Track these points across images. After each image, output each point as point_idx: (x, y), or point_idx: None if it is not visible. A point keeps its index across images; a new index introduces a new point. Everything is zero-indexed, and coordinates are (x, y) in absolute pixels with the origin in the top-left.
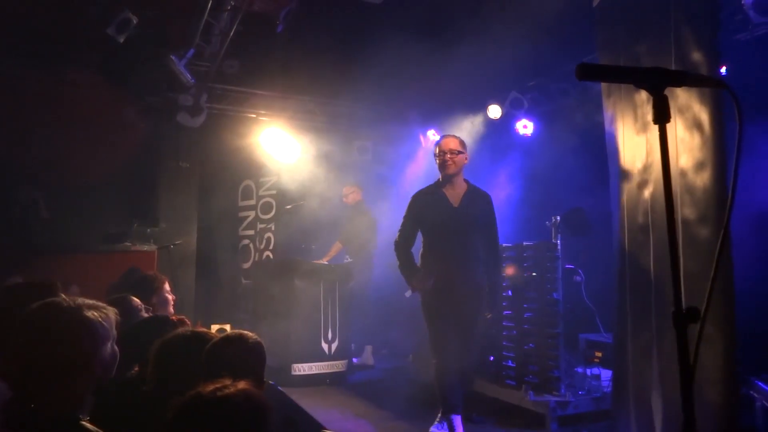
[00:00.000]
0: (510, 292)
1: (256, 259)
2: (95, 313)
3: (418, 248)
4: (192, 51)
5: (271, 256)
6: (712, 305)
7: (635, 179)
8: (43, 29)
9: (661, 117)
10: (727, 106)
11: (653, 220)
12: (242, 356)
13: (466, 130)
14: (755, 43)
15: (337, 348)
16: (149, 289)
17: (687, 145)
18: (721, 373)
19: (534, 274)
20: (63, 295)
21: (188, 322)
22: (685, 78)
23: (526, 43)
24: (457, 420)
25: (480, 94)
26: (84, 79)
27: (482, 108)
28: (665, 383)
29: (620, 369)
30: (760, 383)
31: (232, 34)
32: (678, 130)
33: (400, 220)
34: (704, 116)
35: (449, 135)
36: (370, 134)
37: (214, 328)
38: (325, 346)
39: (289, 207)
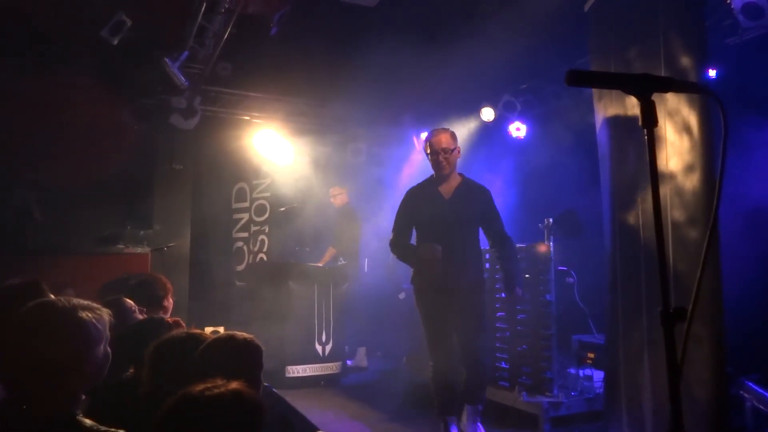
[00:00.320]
0: (503, 294)
1: (250, 261)
2: (89, 314)
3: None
4: (186, 53)
5: (264, 258)
6: (700, 305)
7: (626, 182)
8: (37, 31)
9: (649, 122)
10: (715, 110)
11: (644, 222)
12: (236, 357)
13: (459, 132)
14: (744, 46)
15: (331, 350)
16: (162, 292)
17: (676, 148)
18: (710, 372)
19: (527, 275)
20: (52, 296)
21: (183, 324)
22: (672, 84)
23: (519, 46)
24: (453, 424)
25: (473, 97)
26: (77, 81)
27: (475, 110)
28: (656, 383)
29: (612, 370)
30: (750, 383)
31: (226, 36)
32: (668, 133)
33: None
34: (693, 120)
35: (441, 130)
36: (364, 136)
37: (208, 330)
38: (319, 348)
39: (283, 209)
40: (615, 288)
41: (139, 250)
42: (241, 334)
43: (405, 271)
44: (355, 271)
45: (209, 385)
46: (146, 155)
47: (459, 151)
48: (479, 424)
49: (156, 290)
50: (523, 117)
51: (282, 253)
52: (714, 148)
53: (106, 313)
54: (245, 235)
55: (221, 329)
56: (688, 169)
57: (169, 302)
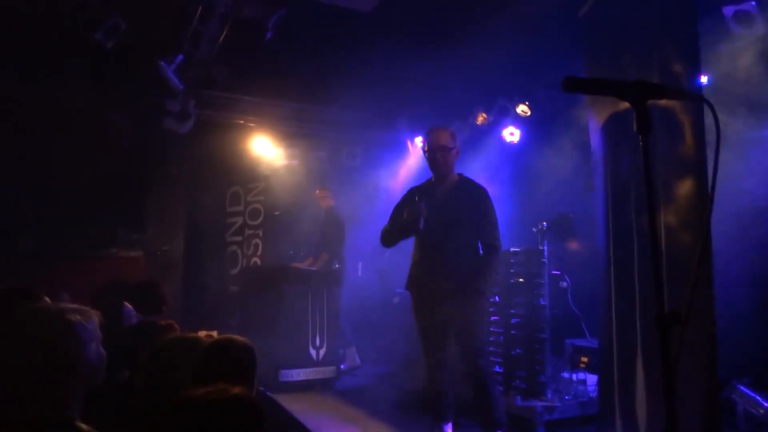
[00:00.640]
0: (498, 298)
1: (244, 265)
2: (77, 316)
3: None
4: (181, 57)
5: (258, 262)
6: (693, 308)
7: (619, 187)
8: (30, 34)
9: (643, 128)
10: (707, 116)
11: (637, 226)
12: (233, 361)
13: None
14: (736, 52)
15: (325, 354)
16: (161, 298)
17: (669, 154)
18: (703, 376)
19: (521, 279)
20: (47, 299)
21: (176, 328)
22: (666, 91)
23: (514, 51)
24: (448, 429)
25: (467, 102)
26: (71, 84)
27: (469, 115)
28: (649, 387)
29: (606, 373)
30: (742, 387)
31: (221, 40)
32: (660, 139)
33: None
34: (685, 126)
35: (440, 127)
36: (359, 140)
37: (202, 334)
38: (313, 352)
39: (277, 213)
40: (609, 292)
41: (132, 253)
42: (236, 337)
43: (399, 275)
44: (342, 275)
45: (210, 389)
46: (140, 159)
47: (458, 152)
48: None
49: (154, 297)
50: (517, 122)
51: (276, 257)
52: (706, 153)
53: (95, 315)
54: (239, 239)
55: (215, 333)
56: (681, 174)
57: (166, 307)
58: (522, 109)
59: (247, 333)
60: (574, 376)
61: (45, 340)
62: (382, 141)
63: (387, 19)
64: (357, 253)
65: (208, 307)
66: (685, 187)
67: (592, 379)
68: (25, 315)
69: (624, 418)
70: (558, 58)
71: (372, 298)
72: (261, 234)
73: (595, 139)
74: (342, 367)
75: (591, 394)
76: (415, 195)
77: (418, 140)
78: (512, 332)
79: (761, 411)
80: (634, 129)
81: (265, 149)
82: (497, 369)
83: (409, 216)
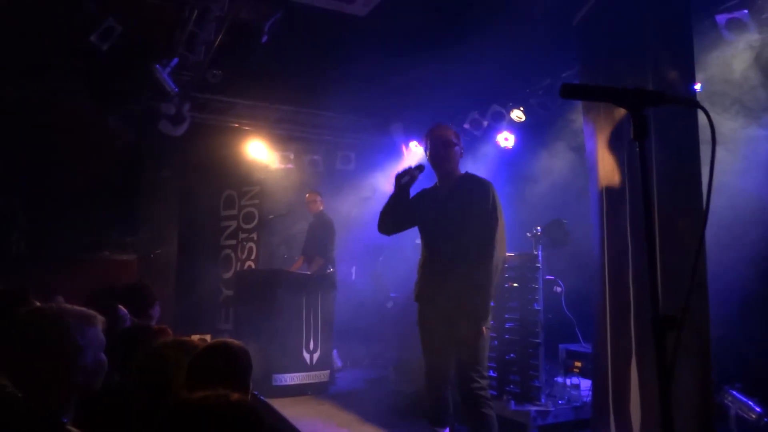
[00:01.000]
0: (492, 303)
1: (238, 268)
2: (76, 321)
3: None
4: (176, 60)
5: (253, 266)
6: (687, 314)
7: (614, 192)
8: (25, 36)
9: (641, 134)
10: (702, 122)
11: (632, 232)
12: (228, 364)
13: None
14: (728, 59)
15: (319, 358)
16: (143, 306)
17: (663, 160)
18: (696, 380)
19: (515, 284)
20: (37, 303)
21: (169, 332)
22: (663, 98)
23: (508, 58)
24: None
25: (462, 107)
26: (65, 86)
27: (464, 120)
28: (644, 392)
29: (600, 378)
30: (734, 392)
31: (216, 43)
32: (655, 145)
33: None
34: (680, 132)
35: (442, 124)
36: (354, 144)
37: (195, 338)
38: (306, 356)
39: (271, 217)
40: (603, 297)
41: (125, 256)
42: (231, 340)
43: (393, 279)
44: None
45: (209, 394)
46: (134, 161)
47: (462, 150)
48: None
49: (143, 298)
50: (511, 127)
51: (270, 261)
52: (700, 159)
53: (99, 320)
54: (233, 242)
55: (208, 337)
56: (675, 180)
57: (155, 310)
58: (516, 114)
59: (240, 337)
60: (568, 381)
61: (44, 344)
62: (377, 145)
63: (382, 23)
64: (351, 257)
65: (202, 311)
66: (679, 192)
67: (585, 383)
68: (25, 318)
69: (618, 423)
70: (551, 65)
71: (366, 302)
72: (255, 238)
73: (589, 144)
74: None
75: (585, 399)
76: (420, 194)
77: (413, 144)
78: (506, 337)
79: (753, 415)
80: (631, 135)
81: (260, 153)
82: (491, 374)
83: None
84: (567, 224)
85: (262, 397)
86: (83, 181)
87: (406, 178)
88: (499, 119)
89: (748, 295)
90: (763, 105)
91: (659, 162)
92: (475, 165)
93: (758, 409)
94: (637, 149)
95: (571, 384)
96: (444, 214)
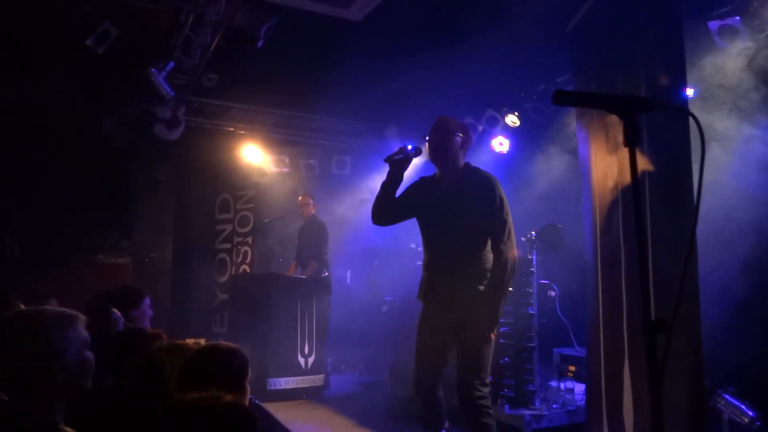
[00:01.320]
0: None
1: (233, 272)
2: (57, 320)
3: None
4: (172, 64)
5: (248, 270)
6: (678, 318)
7: (607, 197)
8: (21, 39)
9: (632, 140)
10: (693, 128)
11: (624, 236)
12: (220, 367)
13: None
14: (722, 63)
15: (314, 362)
16: (129, 302)
17: (656, 165)
18: (688, 384)
19: (510, 288)
20: (22, 305)
21: (164, 336)
22: (653, 105)
23: (503, 63)
24: None
25: (457, 111)
26: (61, 89)
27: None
28: (636, 395)
29: (593, 382)
30: (727, 396)
31: (212, 48)
32: (647, 150)
33: (378, 236)
34: (672, 138)
35: (443, 116)
36: (349, 149)
37: (190, 341)
38: (301, 360)
39: (267, 221)
40: (596, 301)
41: (120, 260)
42: (226, 343)
43: (388, 283)
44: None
45: (204, 395)
46: (129, 165)
47: (465, 142)
48: None
49: (131, 296)
50: (506, 132)
51: (265, 265)
52: (691, 164)
53: (80, 320)
54: (228, 246)
55: (202, 341)
56: (667, 184)
57: (145, 304)
58: (511, 119)
59: (235, 341)
60: (562, 385)
61: (21, 346)
62: (372, 149)
63: (377, 28)
64: (346, 262)
65: (197, 314)
66: (671, 197)
67: (579, 388)
68: (5, 321)
69: (611, 426)
70: (546, 70)
71: (361, 306)
72: (250, 241)
73: (583, 149)
74: None
75: (579, 403)
76: (419, 183)
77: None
78: (500, 341)
79: (746, 420)
80: (623, 142)
81: (255, 157)
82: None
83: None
84: (561, 229)
85: (257, 401)
86: (78, 185)
87: (399, 156)
88: (494, 124)
89: (741, 298)
90: (757, 106)
91: (652, 167)
92: None
93: (751, 413)
94: (628, 155)
95: (566, 388)
96: (448, 213)
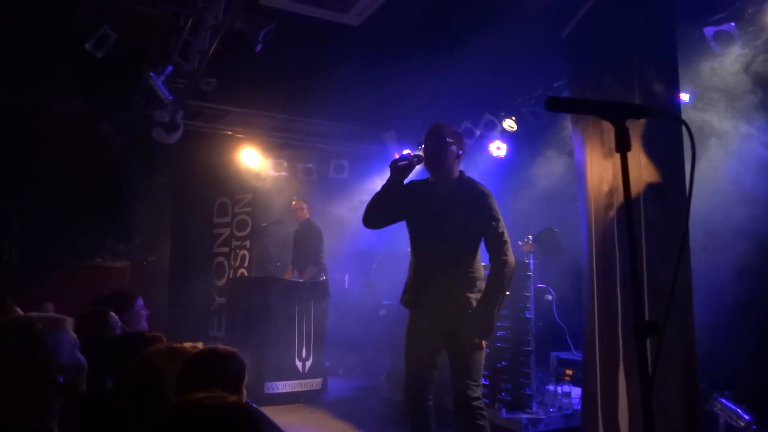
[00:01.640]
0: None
1: (231, 276)
2: (45, 324)
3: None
4: (170, 68)
5: (245, 273)
6: (672, 321)
7: (602, 202)
8: (18, 43)
9: (623, 146)
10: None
11: (619, 240)
12: (218, 370)
13: None
14: (720, 67)
15: (311, 366)
16: (122, 304)
17: (650, 170)
18: (682, 388)
19: (507, 292)
20: (19, 310)
21: (163, 339)
22: (644, 111)
23: (500, 67)
24: None
25: (454, 116)
26: (59, 93)
27: (457, 129)
28: (631, 397)
29: (589, 386)
30: (723, 400)
31: (210, 52)
32: (641, 155)
33: (376, 240)
34: (665, 143)
35: (439, 123)
36: (347, 153)
37: (187, 345)
38: (299, 364)
39: (264, 224)
40: (591, 305)
41: (118, 264)
42: (224, 347)
43: (385, 287)
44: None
45: (207, 395)
46: (127, 168)
47: (460, 150)
48: None
49: (123, 299)
50: (503, 136)
51: (263, 269)
52: (684, 168)
53: (69, 323)
54: (226, 250)
55: (200, 344)
56: (661, 189)
57: (138, 304)
58: (508, 124)
59: (233, 344)
60: (559, 389)
61: (13, 351)
62: (370, 153)
63: (375, 33)
64: (344, 266)
65: (194, 318)
66: (664, 201)
67: (576, 391)
68: None
69: (607, 430)
70: (543, 75)
71: (358, 310)
72: (248, 245)
73: (578, 154)
74: None
75: (575, 407)
76: (411, 189)
77: (406, 153)
78: (497, 345)
79: (741, 423)
80: (614, 147)
81: (253, 160)
82: (483, 381)
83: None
84: (558, 233)
85: (254, 405)
86: (76, 188)
87: (403, 163)
88: (492, 128)
89: (738, 300)
90: (754, 107)
91: (645, 171)
92: (468, 174)
93: (747, 417)
94: (620, 160)
95: (562, 392)
96: (440, 223)
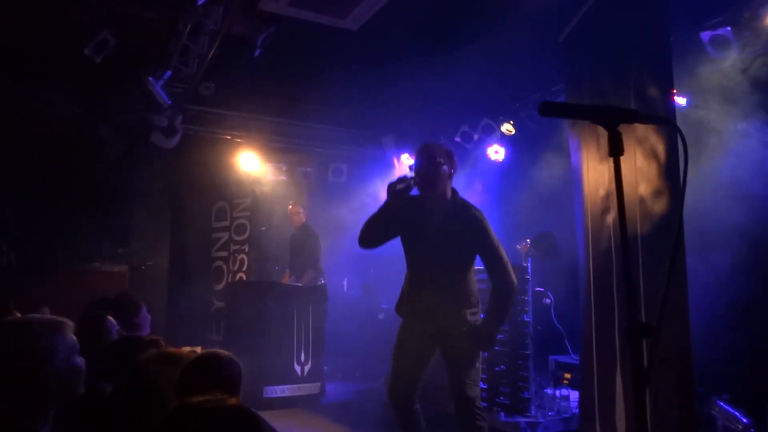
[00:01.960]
0: (483, 315)
1: (229, 280)
2: (43, 327)
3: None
4: (169, 72)
5: (244, 277)
6: (667, 324)
7: (599, 205)
8: (18, 47)
9: (615, 151)
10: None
11: (615, 243)
12: (217, 374)
13: None
14: (712, 75)
15: (310, 370)
16: (132, 309)
17: (645, 174)
18: (679, 391)
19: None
20: (18, 314)
21: (162, 343)
22: (636, 116)
23: (498, 71)
24: None
25: (452, 120)
26: (58, 97)
27: (455, 133)
28: (628, 402)
29: (586, 389)
30: (720, 403)
31: (209, 57)
32: (637, 159)
33: None
34: (660, 147)
35: (429, 143)
36: (346, 157)
37: (186, 350)
38: (297, 368)
39: (263, 228)
40: (589, 308)
41: (116, 268)
42: (222, 351)
43: (384, 291)
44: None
45: (207, 398)
46: (126, 173)
47: (451, 170)
48: None
49: (128, 308)
50: (501, 140)
51: (262, 273)
52: (680, 172)
53: (68, 326)
54: (225, 254)
55: (198, 349)
56: (657, 192)
57: (142, 317)
58: (506, 128)
59: (231, 349)
60: (558, 393)
61: (8, 353)
62: (369, 157)
63: (373, 38)
64: (343, 270)
65: (193, 323)
66: (660, 205)
67: (575, 395)
68: None
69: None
70: (541, 79)
71: (357, 314)
72: (247, 249)
73: (575, 158)
74: None
75: (574, 410)
76: (407, 205)
77: (404, 156)
78: (496, 348)
79: (739, 426)
80: (608, 152)
81: (252, 165)
82: (481, 385)
83: (391, 186)
84: (556, 236)
85: (252, 410)
86: (75, 192)
87: (401, 186)
88: (490, 132)
89: (736, 301)
90: (753, 107)
91: (642, 174)
92: (466, 178)
93: (745, 420)
94: (613, 165)
95: (561, 395)
96: (436, 245)
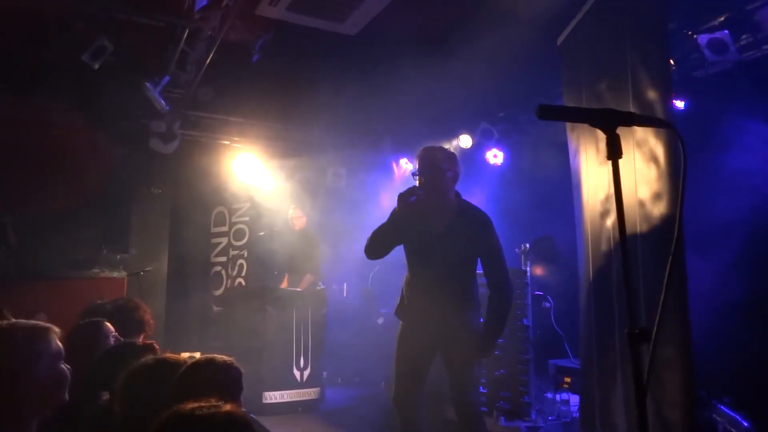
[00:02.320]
0: (482, 319)
1: (228, 286)
2: (26, 333)
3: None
4: (167, 78)
5: (243, 283)
6: (667, 327)
7: (598, 209)
8: (15, 53)
9: (614, 153)
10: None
11: (614, 247)
12: (215, 379)
13: None
14: (710, 78)
15: (309, 375)
16: (138, 326)
17: (645, 177)
18: (680, 395)
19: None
20: (12, 319)
21: (157, 347)
22: (635, 119)
23: (497, 76)
24: None
25: (451, 124)
26: (56, 104)
27: (454, 137)
28: (629, 406)
29: (586, 393)
30: (722, 407)
31: (207, 62)
32: (636, 162)
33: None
34: (659, 150)
35: (430, 147)
36: (345, 161)
37: (185, 355)
38: (297, 373)
39: (262, 234)
40: (588, 312)
41: (115, 274)
42: (221, 357)
43: (384, 295)
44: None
45: (203, 404)
46: (124, 178)
47: (456, 175)
48: None
49: (135, 316)
50: (500, 144)
51: (261, 278)
52: (679, 175)
53: (53, 332)
54: (223, 259)
55: (197, 354)
56: (656, 195)
57: (150, 327)
58: (505, 131)
59: (230, 354)
60: (558, 397)
61: None
62: (368, 162)
63: (371, 42)
64: (342, 274)
65: (192, 328)
66: (659, 208)
67: (575, 399)
68: None
69: None
70: (541, 82)
71: (357, 319)
72: (246, 254)
73: (574, 162)
74: None
75: (574, 415)
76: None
77: (403, 161)
78: (496, 353)
79: (741, 430)
80: (606, 155)
81: (250, 170)
82: (481, 390)
83: (399, 198)
84: (555, 240)
85: (252, 415)
86: (73, 199)
87: (413, 198)
88: (489, 136)
89: (736, 302)
90: (751, 107)
91: (641, 178)
92: (465, 182)
93: (746, 424)
94: (611, 168)
95: (561, 399)
96: (440, 250)
